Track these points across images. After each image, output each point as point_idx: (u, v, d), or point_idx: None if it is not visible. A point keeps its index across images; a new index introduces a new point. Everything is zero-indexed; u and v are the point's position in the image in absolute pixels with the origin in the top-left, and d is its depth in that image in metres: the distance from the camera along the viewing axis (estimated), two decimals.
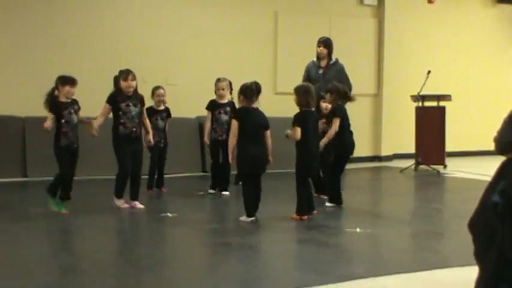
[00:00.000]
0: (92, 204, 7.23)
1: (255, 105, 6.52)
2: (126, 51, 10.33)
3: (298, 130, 6.52)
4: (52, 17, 10.08)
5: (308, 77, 8.75)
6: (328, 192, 7.40)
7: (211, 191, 8.29)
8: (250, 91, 6.45)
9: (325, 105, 7.51)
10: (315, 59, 8.93)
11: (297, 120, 6.57)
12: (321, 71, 8.78)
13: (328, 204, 7.30)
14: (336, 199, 7.27)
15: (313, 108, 6.75)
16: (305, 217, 6.57)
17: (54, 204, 6.69)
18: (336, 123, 7.11)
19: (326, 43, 8.80)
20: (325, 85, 8.27)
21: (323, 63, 8.82)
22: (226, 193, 8.22)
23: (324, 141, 7.07)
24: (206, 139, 8.33)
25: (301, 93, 6.63)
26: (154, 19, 10.80)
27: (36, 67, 9.95)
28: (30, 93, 9.88)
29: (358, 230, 6.10)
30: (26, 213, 6.86)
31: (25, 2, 9.91)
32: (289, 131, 6.64)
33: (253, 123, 6.42)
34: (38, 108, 9.70)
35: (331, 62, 8.82)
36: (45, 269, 4.66)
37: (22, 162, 9.50)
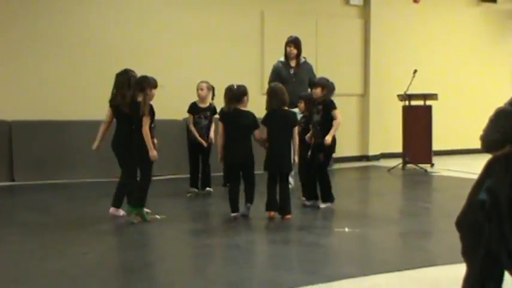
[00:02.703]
0: (80, 208, 7.19)
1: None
2: (112, 53, 10.28)
3: (265, 130, 6.76)
4: (40, 20, 10.02)
5: (279, 77, 8.50)
6: (324, 192, 7.32)
7: (192, 189, 8.36)
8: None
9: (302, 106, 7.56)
10: (281, 58, 8.86)
11: (263, 120, 6.82)
12: (292, 71, 8.70)
13: (323, 205, 7.27)
14: (329, 197, 7.28)
15: (285, 108, 6.82)
16: (271, 213, 6.64)
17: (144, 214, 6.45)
18: (339, 115, 7.15)
19: (296, 43, 8.74)
20: (299, 84, 8.27)
21: (293, 62, 8.72)
22: (210, 189, 8.35)
23: (331, 135, 7.10)
24: (201, 140, 8.31)
25: (268, 95, 6.91)
26: (141, 21, 10.75)
27: (22, 71, 9.89)
28: (17, 96, 9.85)
29: (346, 229, 6.12)
30: (16, 218, 6.82)
31: (14, 6, 9.84)
32: (256, 131, 6.80)
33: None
34: (24, 112, 9.73)
35: (301, 62, 8.77)
36: (35, 273, 4.63)
37: (9, 166, 9.44)
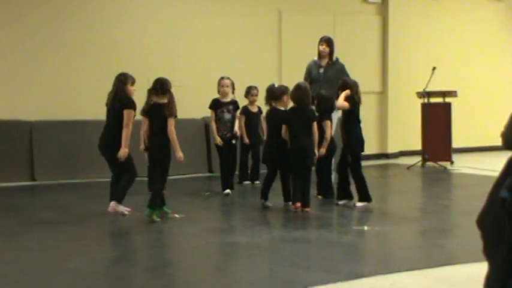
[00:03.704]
0: (99, 207, 7.24)
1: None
2: (129, 52, 10.34)
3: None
4: (59, 23, 10.10)
5: (309, 76, 8.73)
6: (360, 191, 7.32)
7: (228, 191, 8.21)
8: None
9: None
10: (315, 57, 8.91)
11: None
12: (321, 70, 8.75)
13: (359, 204, 7.23)
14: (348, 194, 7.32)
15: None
16: (297, 205, 6.85)
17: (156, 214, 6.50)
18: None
19: (329, 42, 8.79)
20: (325, 85, 8.30)
21: (324, 62, 8.80)
22: (228, 191, 8.24)
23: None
24: (216, 139, 8.29)
25: (292, 91, 7.17)
26: (158, 19, 10.81)
27: (42, 72, 9.98)
28: (37, 97, 9.94)
29: (365, 227, 6.11)
30: (36, 217, 6.88)
31: (30, 9, 9.93)
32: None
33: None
34: (44, 112, 9.82)
35: (332, 61, 8.80)
36: (54, 271, 4.67)
37: (30, 166, 9.53)
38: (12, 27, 9.82)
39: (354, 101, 7.15)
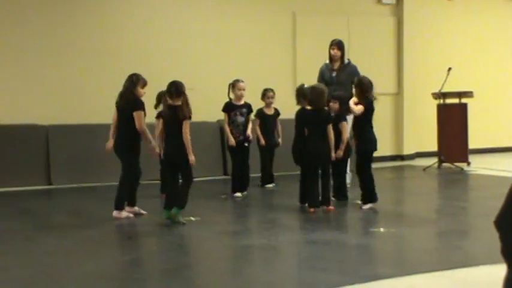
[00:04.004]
0: (110, 211, 7.26)
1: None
2: (143, 56, 10.39)
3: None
4: (71, 27, 10.17)
5: (322, 79, 8.74)
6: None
7: (238, 194, 8.25)
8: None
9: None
10: (327, 61, 8.91)
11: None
12: (334, 73, 8.77)
13: (365, 206, 7.16)
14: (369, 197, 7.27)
15: (308, 107, 7.21)
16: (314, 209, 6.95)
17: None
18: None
19: (339, 45, 8.80)
20: (339, 87, 8.30)
21: (336, 65, 8.80)
22: (244, 193, 8.28)
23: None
24: (231, 140, 8.29)
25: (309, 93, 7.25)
26: (172, 22, 10.84)
27: (58, 77, 10.05)
28: (53, 101, 10.01)
29: (382, 229, 6.08)
30: (52, 221, 6.92)
31: (45, 14, 10.00)
32: None
33: None
34: (60, 116, 9.88)
35: (344, 64, 8.81)
36: (71, 275, 4.69)
37: (46, 169, 9.59)
38: (27, 33, 9.89)
39: (369, 100, 7.10)
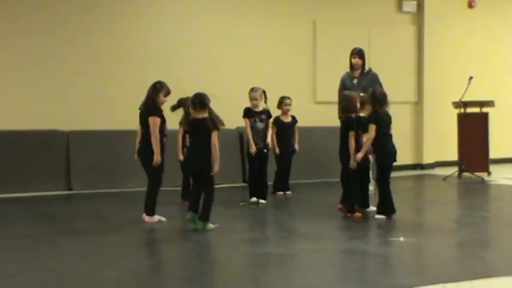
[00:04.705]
0: (135, 217, 7.29)
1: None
2: (164, 63, 10.46)
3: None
4: (94, 33, 10.26)
5: (344, 88, 8.85)
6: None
7: (253, 199, 8.29)
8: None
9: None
10: (348, 69, 8.96)
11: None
12: (355, 81, 8.84)
13: (378, 216, 7.12)
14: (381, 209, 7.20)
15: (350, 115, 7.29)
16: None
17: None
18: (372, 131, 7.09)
19: (360, 54, 8.86)
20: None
21: (356, 73, 8.89)
22: (263, 201, 8.25)
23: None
24: (252, 148, 8.29)
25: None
26: (193, 30, 10.92)
27: (78, 83, 10.14)
28: (74, 107, 10.10)
29: (401, 239, 6.04)
30: (72, 226, 6.96)
31: (67, 21, 10.10)
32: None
33: None
34: (81, 122, 9.96)
35: (365, 72, 8.83)
36: (90, 280, 4.71)
37: (66, 175, 9.66)
38: (49, 39, 10.01)
39: (379, 117, 7.01)
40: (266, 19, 11.46)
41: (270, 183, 8.75)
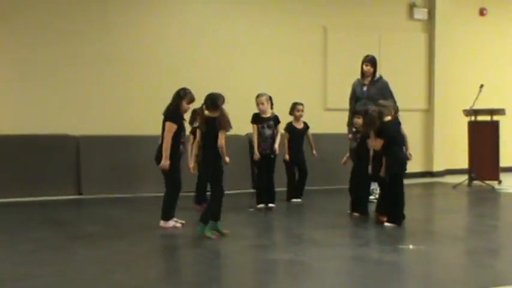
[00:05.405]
0: (146, 222, 7.31)
1: None
2: (177, 70, 10.48)
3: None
4: (107, 38, 10.31)
5: (354, 94, 8.86)
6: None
7: (260, 205, 8.32)
8: None
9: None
10: (359, 76, 8.96)
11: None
12: (365, 88, 8.83)
13: (388, 224, 7.12)
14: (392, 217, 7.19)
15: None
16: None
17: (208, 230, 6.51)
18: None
19: (372, 62, 8.84)
20: (368, 101, 8.32)
21: (367, 80, 8.87)
22: (273, 205, 8.27)
23: None
24: (256, 154, 8.32)
25: None
26: (205, 37, 10.93)
27: (89, 88, 10.18)
28: (84, 112, 10.13)
29: (411, 246, 6.03)
30: (83, 230, 6.99)
31: (79, 25, 10.15)
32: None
33: None
34: (91, 127, 10.00)
35: (375, 79, 8.82)
36: (100, 284, 4.73)
37: (77, 180, 9.70)
38: (62, 43, 10.05)
39: (387, 128, 7.03)
40: (277, 26, 11.48)
41: (282, 189, 8.78)
